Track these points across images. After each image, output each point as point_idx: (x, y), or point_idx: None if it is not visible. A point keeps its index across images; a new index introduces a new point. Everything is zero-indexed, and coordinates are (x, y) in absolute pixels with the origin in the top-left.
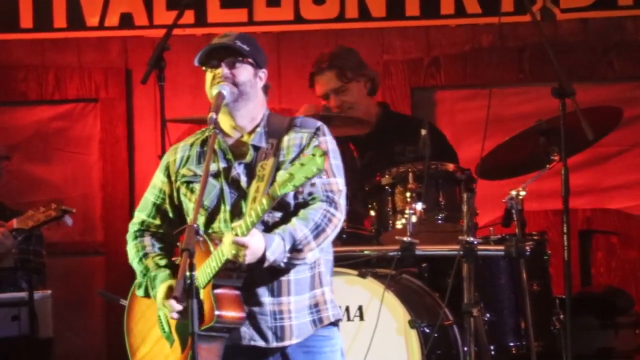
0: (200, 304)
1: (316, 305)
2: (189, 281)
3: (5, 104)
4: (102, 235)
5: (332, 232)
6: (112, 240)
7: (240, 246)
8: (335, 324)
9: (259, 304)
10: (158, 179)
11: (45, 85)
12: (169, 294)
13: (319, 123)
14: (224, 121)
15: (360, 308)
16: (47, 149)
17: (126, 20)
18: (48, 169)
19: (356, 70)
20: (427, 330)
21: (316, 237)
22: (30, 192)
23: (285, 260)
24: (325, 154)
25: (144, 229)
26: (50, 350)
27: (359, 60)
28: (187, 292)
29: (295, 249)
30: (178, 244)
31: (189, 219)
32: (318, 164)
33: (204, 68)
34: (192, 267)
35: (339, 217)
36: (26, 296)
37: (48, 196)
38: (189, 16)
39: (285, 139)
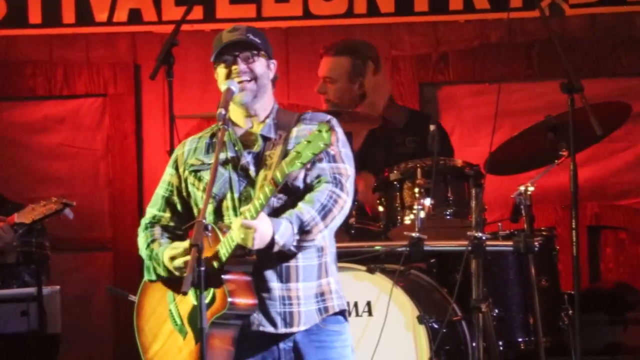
0: (212, 291)
1: (322, 294)
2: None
3: (13, 100)
4: (110, 231)
5: (338, 212)
6: (120, 236)
7: (248, 229)
8: (343, 315)
9: (268, 289)
10: (167, 174)
11: (54, 81)
12: (172, 252)
13: (329, 116)
14: (237, 112)
15: (368, 303)
16: (55, 144)
17: (135, 16)
18: (56, 164)
19: (355, 72)
20: (436, 326)
21: (324, 217)
22: (38, 188)
23: (294, 243)
24: (332, 129)
25: (155, 222)
26: (58, 345)
27: (360, 62)
28: (196, 288)
29: (304, 231)
30: (188, 240)
31: (201, 206)
32: (324, 139)
33: (215, 64)
34: (200, 263)
35: (345, 199)
36: (35, 292)
37: (56, 192)
38: (197, 12)
39: (295, 130)
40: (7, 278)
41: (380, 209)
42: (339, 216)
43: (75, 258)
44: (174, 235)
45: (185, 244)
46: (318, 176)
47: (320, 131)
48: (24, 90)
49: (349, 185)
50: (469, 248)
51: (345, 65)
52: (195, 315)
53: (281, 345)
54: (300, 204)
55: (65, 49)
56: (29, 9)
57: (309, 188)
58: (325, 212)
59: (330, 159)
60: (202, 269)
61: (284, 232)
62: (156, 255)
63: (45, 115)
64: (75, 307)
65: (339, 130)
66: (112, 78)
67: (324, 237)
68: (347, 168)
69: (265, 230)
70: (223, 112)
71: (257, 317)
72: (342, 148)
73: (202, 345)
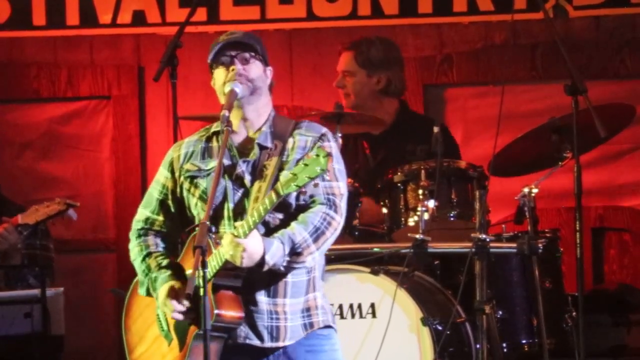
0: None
1: (308, 309)
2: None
3: (17, 102)
4: (114, 232)
5: (331, 235)
6: (124, 238)
7: (237, 247)
8: (330, 327)
9: (255, 303)
10: (161, 175)
11: (58, 83)
12: (171, 294)
13: (325, 129)
14: (234, 116)
15: (372, 305)
16: (60, 146)
17: (139, 18)
18: (60, 166)
19: (373, 63)
20: (440, 328)
21: (315, 240)
22: (42, 190)
23: (284, 264)
24: (329, 155)
25: (147, 227)
26: (62, 347)
27: (385, 56)
28: (199, 290)
29: (295, 253)
30: (189, 240)
31: (196, 212)
32: (322, 164)
33: (212, 66)
34: (204, 265)
35: (339, 221)
36: (38, 293)
37: (60, 193)
38: (201, 13)
39: (290, 140)
40: (12, 280)
41: (384, 210)
42: (331, 238)
43: (80, 259)
44: (168, 241)
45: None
46: (312, 196)
47: (318, 155)
48: (28, 92)
49: (343, 204)
50: (473, 250)
51: (357, 57)
52: (181, 323)
53: (270, 357)
54: (294, 225)
55: (69, 51)
56: (33, 11)
57: (302, 207)
58: (317, 235)
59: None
60: (207, 270)
61: (275, 252)
62: (154, 279)
63: (49, 117)
64: (79, 309)
65: (334, 145)
66: (116, 80)
67: (314, 258)
68: (340, 186)
69: (254, 249)
70: (227, 113)
71: (244, 330)
72: (336, 164)
73: (205, 347)
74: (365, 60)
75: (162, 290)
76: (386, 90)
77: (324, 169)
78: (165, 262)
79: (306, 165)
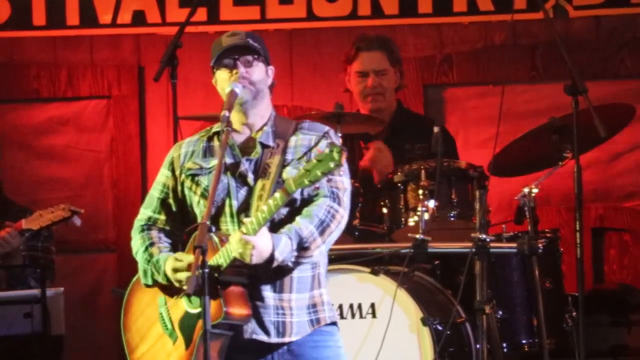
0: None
1: (314, 305)
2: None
3: (18, 101)
4: (114, 232)
5: (336, 227)
6: (124, 238)
7: (246, 245)
8: (334, 323)
9: (262, 298)
10: (162, 175)
11: (58, 83)
12: (177, 265)
13: (327, 127)
14: (235, 118)
15: (372, 305)
16: (59, 146)
17: (139, 18)
18: (60, 166)
19: (397, 60)
20: (440, 328)
21: (321, 233)
22: (42, 190)
23: (293, 259)
24: (342, 150)
25: (150, 224)
26: (62, 347)
27: (399, 52)
28: (200, 289)
29: (303, 247)
30: (191, 254)
31: (198, 211)
32: (335, 159)
33: (214, 68)
34: (204, 265)
35: (342, 214)
36: (39, 293)
37: (60, 193)
38: (201, 13)
39: (293, 139)
40: (13, 281)
41: (384, 210)
42: (336, 231)
43: (79, 260)
44: (170, 238)
45: (190, 258)
46: (316, 188)
47: (331, 151)
48: (28, 92)
49: (346, 198)
50: (473, 250)
51: (389, 56)
52: (187, 321)
53: (275, 354)
54: (299, 219)
55: (69, 51)
56: (33, 11)
57: (306, 200)
58: (323, 228)
59: None
60: (207, 270)
61: (284, 248)
62: (157, 261)
63: (49, 117)
64: (79, 309)
65: (337, 143)
66: (116, 80)
67: (321, 252)
68: (344, 181)
69: (264, 246)
70: (227, 113)
71: (251, 325)
72: None
73: (206, 347)
74: (395, 58)
75: (168, 264)
76: (401, 86)
77: (338, 164)
78: (167, 249)
79: (319, 161)
